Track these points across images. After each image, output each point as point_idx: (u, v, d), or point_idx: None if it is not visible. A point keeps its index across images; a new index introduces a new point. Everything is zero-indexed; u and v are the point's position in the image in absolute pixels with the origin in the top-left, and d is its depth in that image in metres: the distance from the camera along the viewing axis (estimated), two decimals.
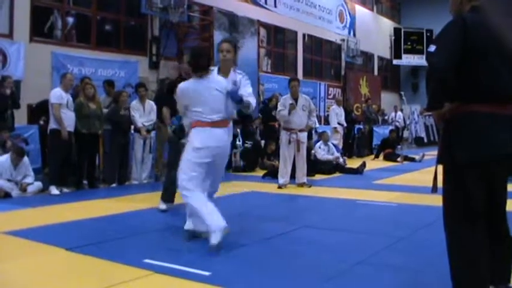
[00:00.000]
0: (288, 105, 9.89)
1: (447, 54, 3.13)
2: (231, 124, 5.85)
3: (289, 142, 10.02)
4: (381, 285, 4.14)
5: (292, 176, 10.23)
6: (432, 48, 3.20)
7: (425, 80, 3.27)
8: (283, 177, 10.03)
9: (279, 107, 10.20)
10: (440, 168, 3.39)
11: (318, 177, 11.83)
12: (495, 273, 3.32)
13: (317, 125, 15.97)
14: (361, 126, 19.14)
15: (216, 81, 5.57)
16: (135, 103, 10.74)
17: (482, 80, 3.16)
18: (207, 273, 4.32)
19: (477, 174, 3.20)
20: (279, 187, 9.90)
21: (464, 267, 3.20)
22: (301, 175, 10.23)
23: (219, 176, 5.87)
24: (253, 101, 5.84)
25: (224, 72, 6.03)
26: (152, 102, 11.03)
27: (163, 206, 7.47)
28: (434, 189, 3.58)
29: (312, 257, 5.00)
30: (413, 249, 5.30)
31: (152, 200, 8.09)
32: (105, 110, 10.42)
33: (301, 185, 10.10)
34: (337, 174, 12.41)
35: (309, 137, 12.10)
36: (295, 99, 10.02)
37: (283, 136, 10.15)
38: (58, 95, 9.16)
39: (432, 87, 3.21)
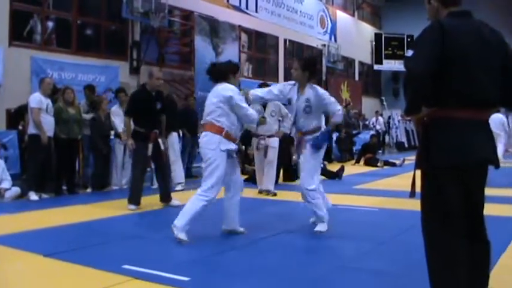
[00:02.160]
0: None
1: (425, 59, 3.15)
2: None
3: (257, 148, 9.95)
4: None
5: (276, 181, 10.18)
6: (410, 53, 3.23)
7: (403, 84, 3.28)
8: (261, 183, 9.99)
9: None
10: (418, 172, 3.40)
11: (299, 182, 11.81)
12: (473, 277, 3.33)
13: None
14: (339, 132, 19.06)
15: None
16: (115, 108, 10.68)
17: (459, 86, 3.18)
18: (186, 279, 4.31)
19: (455, 178, 3.21)
20: (260, 192, 9.86)
21: (442, 272, 3.21)
22: (267, 182, 9.97)
23: None
24: None
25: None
26: None
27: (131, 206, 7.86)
28: (412, 193, 3.60)
29: (292, 262, 5.01)
30: (394, 254, 5.33)
31: None
32: (84, 116, 10.36)
33: (267, 192, 9.81)
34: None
35: (292, 142, 12.06)
36: (264, 106, 9.77)
37: (254, 142, 10.12)
38: (38, 100, 9.08)
39: (410, 92, 3.22)
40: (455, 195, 3.22)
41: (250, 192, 9.82)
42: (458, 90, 3.19)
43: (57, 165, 9.63)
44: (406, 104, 3.27)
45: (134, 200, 7.99)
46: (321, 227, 6.23)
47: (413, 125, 3.78)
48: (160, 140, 8.27)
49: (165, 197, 8.36)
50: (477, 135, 3.23)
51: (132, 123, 8.28)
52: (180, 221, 5.74)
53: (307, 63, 6.42)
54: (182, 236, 5.69)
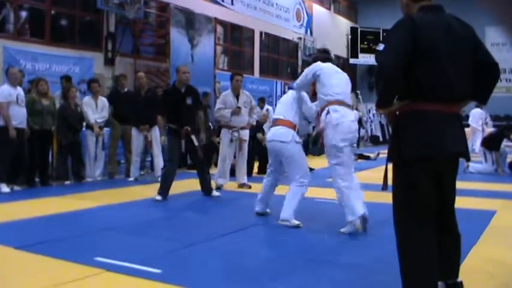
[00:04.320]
0: (229, 103, 9.60)
1: (396, 53, 3.17)
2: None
3: (231, 141, 9.74)
4: (332, 283, 4.19)
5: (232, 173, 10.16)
6: (381, 47, 3.24)
7: (375, 78, 3.30)
8: (223, 177, 9.75)
9: (218, 105, 9.78)
10: (390, 165, 3.43)
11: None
12: (444, 268, 3.38)
13: None
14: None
15: None
16: (87, 99, 10.61)
17: (429, 79, 3.21)
18: (158, 271, 4.31)
19: (426, 171, 3.25)
20: (219, 188, 9.53)
21: (414, 264, 3.24)
22: (242, 175, 9.97)
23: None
24: None
25: None
26: (104, 99, 10.92)
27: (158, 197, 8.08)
28: (384, 186, 3.64)
29: (264, 255, 5.04)
30: (366, 247, 5.38)
31: (105, 198, 8.04)
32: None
33: (242, 185, 9.86)
34: None
35: (261, 131, 12.06)
36: (237, 96, 9.68)
37: (224, 134, 9.84)
38: (6, 94, 8.93)
39: (381, 86, 3.24)
40: (426, 188, 3.26)
41: (228, 186, 9.80)
42: (429, 83, 3.22)
43: (30, 156, 9.53)
44: (378, 97, 3.30)
45: (164, 192, 8.21)
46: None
47: (385, 118, 3.80)
48: (193, 137, 8.44)
49: (206, 190, 8.66)
50: (448, 128, 3.27)
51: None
52: (285, 213, 6.23)
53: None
54: (296, 221, 6.21)
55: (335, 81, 6.14)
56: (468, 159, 3.54)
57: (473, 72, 3.34)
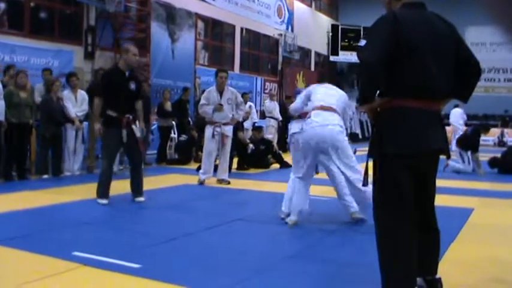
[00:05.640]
0: (212, 100, 9.57)
1: (377, 49, 3.17)
2: None
3: (213, 136, 9.69)
4: (311, 279, 4.19)
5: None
6: (363, 42, 3.25)
7: (356, 74, 3.30)
8: (206, 172, 9.71)
9: (202, 101, 9.76)
10: (371, 162, 3.43)
11: (252, 171, 11.86)
12: (423, 264, 3.40)
13: (256, 120, 16.01)
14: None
15: None
16: (67, 93, 10.51)
17: (411, 76, 3.22)
18: (136, 266, 4.29)
19: (407, 167, 3.26)
20: (201, 183, 9.55)
21: (393, 259, 3.25)
22: (222, 171, 9.91)
23: None
24: None
25: None
26: (84, 92, 10.82)
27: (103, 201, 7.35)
28: (365, 182, 3.65)
29: (244, 250, 5.02)
30: (344, 242, 5.42)
31: (83, 192, 7.97)
32: (40, 99, 10.17)
33: (221, 181, 9.79)
34: (271, 168, 12.45)
35: (242, 129, 12.09)
36: (221, 93, 9.66)
37: (207, 130, 9.78)
38: None
39: (363, 82, 3.25)
40: (407, 184, 3.27)
41: (207, 181, 9.76)
42: (410, 80, 3.23)
43: (7, 150, 9.41)
44: (359, 93, 3.30)
45: (103, 193, 7.36)
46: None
47: (367, 114, 3.81)
48: (134, 127, 7.46)
49: (134, 192, 7.65)
50: (429, 125, 3.29)
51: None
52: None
53: None
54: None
55: None
56: (448, 157, 3.57)
57: (455, 71, 3.36)
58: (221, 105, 9.51)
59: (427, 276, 3.51)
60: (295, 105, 6.64)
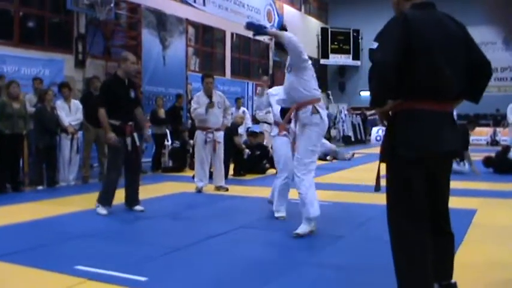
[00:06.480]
0: (202, 103, 9.45)
1: (389, 52, 3.11)
2: None
3: (205, 142, 9.56)
4: (324, 286, 4.11)
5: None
6: (375, 45, 3.19)
7: (368, 77, 3.22)
8: (202, 180, 9.55)
9: (193, 105, 9.62)
10: (383, 165, 3.36)
11: (249, 176, 11.78)
12: (438, 269, 3.35)
13: (250, 125, 15.93)
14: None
15: None
16: (60, 102, 10.40)
17: (423, 78, 3.17)
18: (143, 279, 4.20)
19: (421, 170, 3.21)
20: (198, 191, 9.43)
21: (409, 265, 3.19)
22: (219, 178, 9.79)
23: None
24: None
25: None
26: (77, 102, 10.74)
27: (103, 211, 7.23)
28: (377, 187, 3.56)
29: (252, 258, 4.94)
30: (354, 248, 5.33)
31: (80, 203, 7.86)
32: (31, 109, 10.05)
33: (219, 188, 9.65)
34: (268, 174, 12.36)
35: (237, 134, 12.01)
36: (209, 97, 9.53)
37: (199, 136, 9.65)
38: None
39: (375, 85, 3.19)
40: (421, 187, 3.22)
41: (205, 188, 9.66)
42: (423, 82, 3.18)
43: (0, 161, 9.27)
44: (372, 96, 3.24)
45: (108, 200, 7.28)
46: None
47: (378, 117, 3.74)
48: (135, 135, 7.50)
49: (132, 201, 7.54)
50: (441, 126, 3.24)
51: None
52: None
53: None
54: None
55: None
56: (462, 159, 3.50)
57: (466, 71, 3.30)
58: (212, 102, 9.40)
59: (443, 281, 3.44)
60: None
